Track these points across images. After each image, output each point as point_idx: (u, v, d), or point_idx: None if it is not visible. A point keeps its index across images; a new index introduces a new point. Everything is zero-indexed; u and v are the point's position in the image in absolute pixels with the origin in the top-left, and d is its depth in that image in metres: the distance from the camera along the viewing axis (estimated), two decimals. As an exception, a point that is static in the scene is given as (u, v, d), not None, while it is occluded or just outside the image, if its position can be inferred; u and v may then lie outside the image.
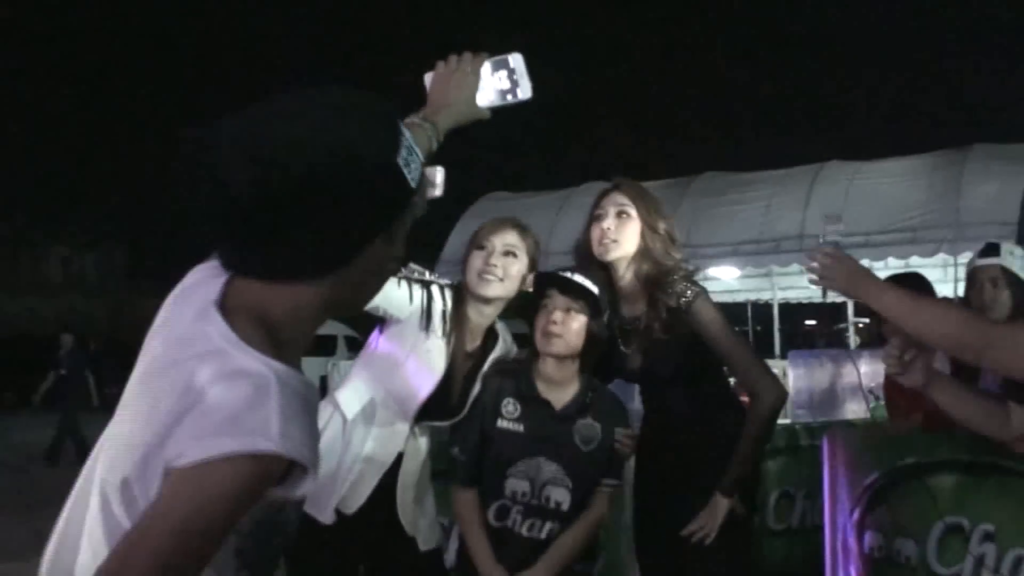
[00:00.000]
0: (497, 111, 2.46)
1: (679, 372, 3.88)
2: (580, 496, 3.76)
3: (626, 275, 3.89)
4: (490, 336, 3.88)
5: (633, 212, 3.86)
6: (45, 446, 15.35)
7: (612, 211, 3.87)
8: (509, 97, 2.45)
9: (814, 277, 3.09)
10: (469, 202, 16.91)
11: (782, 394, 3.85)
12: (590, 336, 3.74)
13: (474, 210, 16.35)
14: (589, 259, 3.95)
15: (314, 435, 1.58)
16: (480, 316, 3.77)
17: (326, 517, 3.62)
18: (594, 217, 3.94)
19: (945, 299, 2.97)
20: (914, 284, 4.69)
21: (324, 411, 3.72)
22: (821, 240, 3.19)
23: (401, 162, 1.64)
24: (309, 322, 1.69)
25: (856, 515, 4.95)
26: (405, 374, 3.66)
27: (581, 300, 3.73)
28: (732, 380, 4.25)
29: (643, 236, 3.85)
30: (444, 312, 3.68)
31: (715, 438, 3.86)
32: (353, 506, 3.66)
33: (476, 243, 3.78)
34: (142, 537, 1.44)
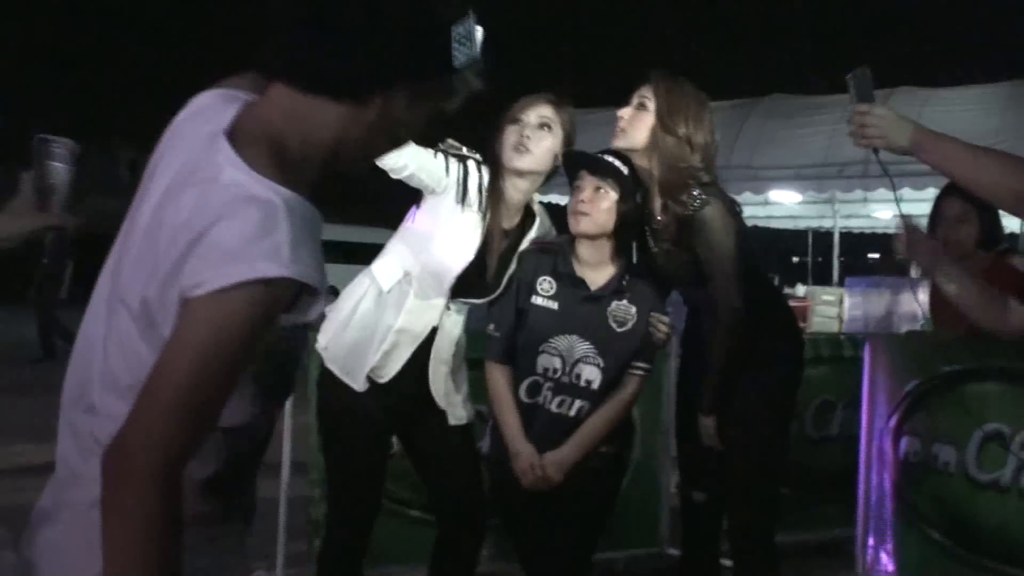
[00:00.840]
0: None
1: (696, 278, 3.80)
2: (611, 376, 3.76)
3: (645, 169, 3.78)
4: (528, 216, 3.88)
5: (651, 106, 3.73)
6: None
7: (635, 100, 3.80)
8: None
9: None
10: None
11: (735, 332, 3.71)
12: (621, 215, 3.72)
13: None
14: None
15: (320, 259, 1.60)
16: (516, 191, 3.75)
17: (359, 384, 3.67)
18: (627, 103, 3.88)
19: (1003, 152, 2.77)
20: None
21: (361, 282, 3.75)
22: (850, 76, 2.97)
23: (456, 35, 1.66)
24: (324, 151, 1.70)
25: (893, 421, 4.93)
26: (441, 248, 3.67)
27: (610, 179, 3.71)
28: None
29: (654, 132, 3.71)
30: (480, 187, 3.67)
31: (753, 341, 3.81)
32: (387, 375, 3.70)
33: (511, 117, 3.74)
34: (167, 370, 1.48)
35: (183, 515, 1.50)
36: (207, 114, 1.72)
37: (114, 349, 1.64)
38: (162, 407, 1.46)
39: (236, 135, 1.64)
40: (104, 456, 1.47)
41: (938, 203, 4.78)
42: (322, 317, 1.59)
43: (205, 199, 1.55)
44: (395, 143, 1.83)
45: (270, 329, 1.56)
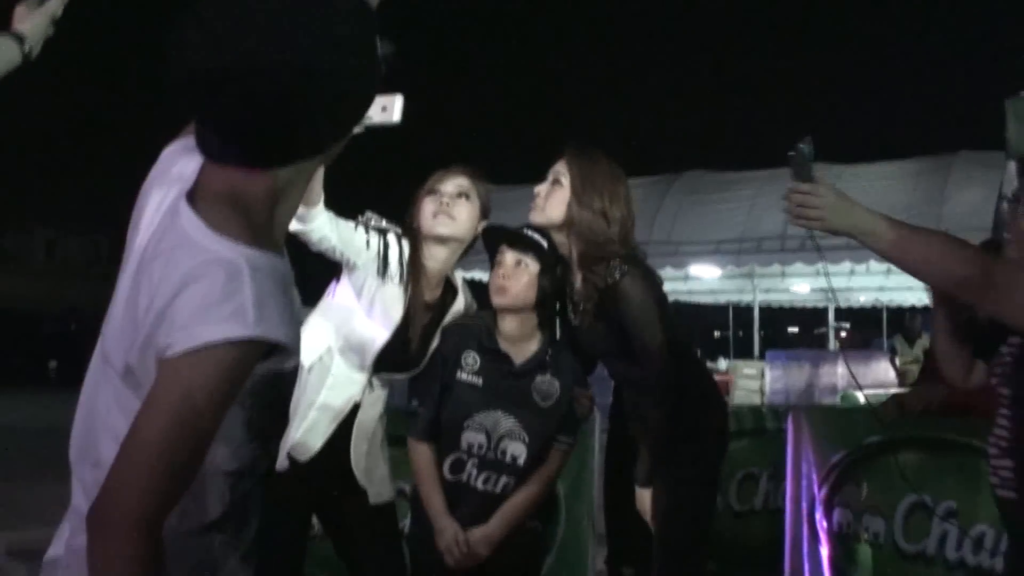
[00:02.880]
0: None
1: (620, 348, 3.77)
2: (536, 451, 3.72)
3: (563, 244, 3.74)
4: (449, 290, 3.85)
5: (565, 181, 3.70)
6: None
7: (550, 177, 3.79)
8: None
9: (796, 219, 2.72)
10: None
11: (668, 403, 3.64)
12: (542, 288, 3.71)
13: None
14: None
15: (291, 311, 1.66)
16: (435, 261, 3.72)
17: (279, 463, 3.57)
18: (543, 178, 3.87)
19: (945, 234, 2.63)
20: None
21: None
22: (792, 154, 2.74)
23: (377, 41, 1.72)
24: (291, 197, 1.76)
25: (823, 493, 4.93)
26: (362, 322, 3.63)
27: (531, 252, 3.70)
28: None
29: (570, 207, 3.67)
30: (401, 259, 3.64)
31: (680, 413, 3.79)
32: (306, 454, 3.62)
33: (428, 189, 3.74)
34: (141, 429, 1.55)
35: (181, 552, 1.65)
36: (172, 174, 1.77)
37: (112, 405, 1.70)
38: (137, 464, 1.53)
39: (197, 197, 1.68)
40: (89, 510, 1.56)
41: None
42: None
43: (173, 265, 1.61)
44: (335, 155, 1.86)
45: (242, 384, 1.60)
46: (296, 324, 1.69)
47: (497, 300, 3.72)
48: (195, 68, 1.59)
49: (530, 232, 3.73)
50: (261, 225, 1.69)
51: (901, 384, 12.49)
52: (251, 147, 1.66)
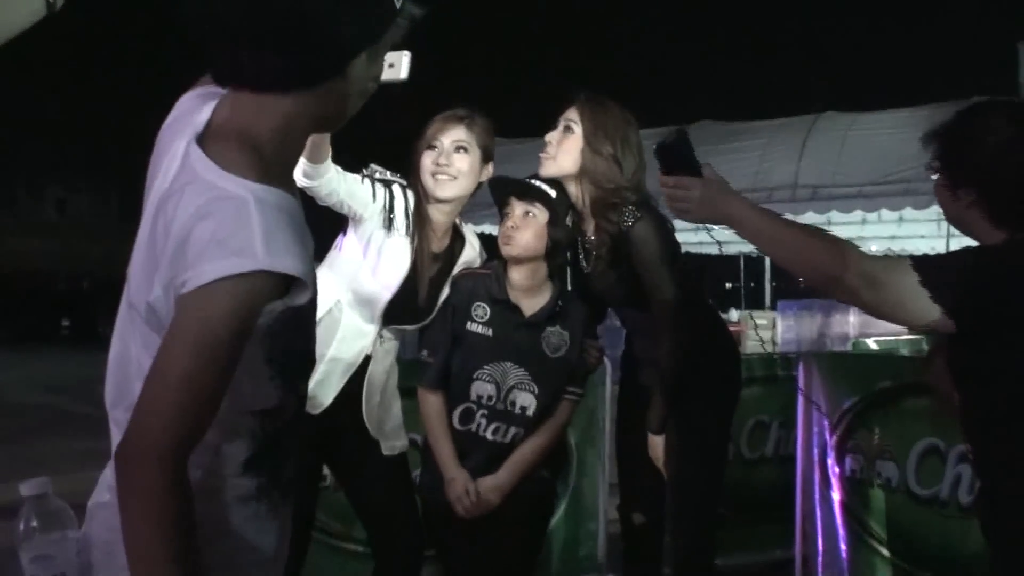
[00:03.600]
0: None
1: (631, 294, 3.77)
2: (546, 402, 3.74)
3: (575, 194, 3.76)
4: (457, 239, 3.83)
5: (577, 128, 3.73)
6: None
7: (561, 124, 3.77)
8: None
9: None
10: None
11: (681, 348, 3.69)
12: (551, 238, 3.70)
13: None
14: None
15: (302, 245, 1.70)
16: (441, 214, 3.71)
17: None
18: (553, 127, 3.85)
19: (818, 229, 2.61)
20: None
21: None
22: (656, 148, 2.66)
23: None
24: (297, 137, 1.82)
25: (835, 439, 4.93)
26: (370, 274, 3.62)
27: (538, 203, 3.70)
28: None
29: (583, 155, 3.70)
30: (407, 211, 3.63)
31: (695, 362, 3.77)
32: (319, 406, 3.61)
33: (426, 142, 3.70)
34: (162, 362, 1.61)
35: (218, 492, 1.76)
36: (185, 119, 1.82)
37: (142, 350, 1.75)
38: (159, 397, 1.59)
39: (208, 138, 1.75)
40: (118, 445, 1.63)
41: None
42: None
43: (185, 204, 1.66)
44: (367, 95, 1.90)
45: (256, 316, 1.65)
46: (308, 258, 1.73)
47: (506, 250, 3.72)
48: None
49: (538, 182, 3.71)
50: (269, 162, 1.73)
51: (911, 332, 12.45)
52: (260, 68, 1.71)
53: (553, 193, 3.70)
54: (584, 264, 3.84)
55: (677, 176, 2.60)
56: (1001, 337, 2.41)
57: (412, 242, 3.65)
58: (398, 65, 2.79)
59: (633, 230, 3.62)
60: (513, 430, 3.71)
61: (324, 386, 3.62)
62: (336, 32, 1.71)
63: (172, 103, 1.93)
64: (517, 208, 3.71)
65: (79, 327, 28.03)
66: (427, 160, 3.67)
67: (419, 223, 3.65)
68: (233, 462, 1.78)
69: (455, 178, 3.65)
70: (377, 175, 3.63)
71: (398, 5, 1.79)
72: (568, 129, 3.74)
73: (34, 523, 1.84)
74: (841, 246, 2.47)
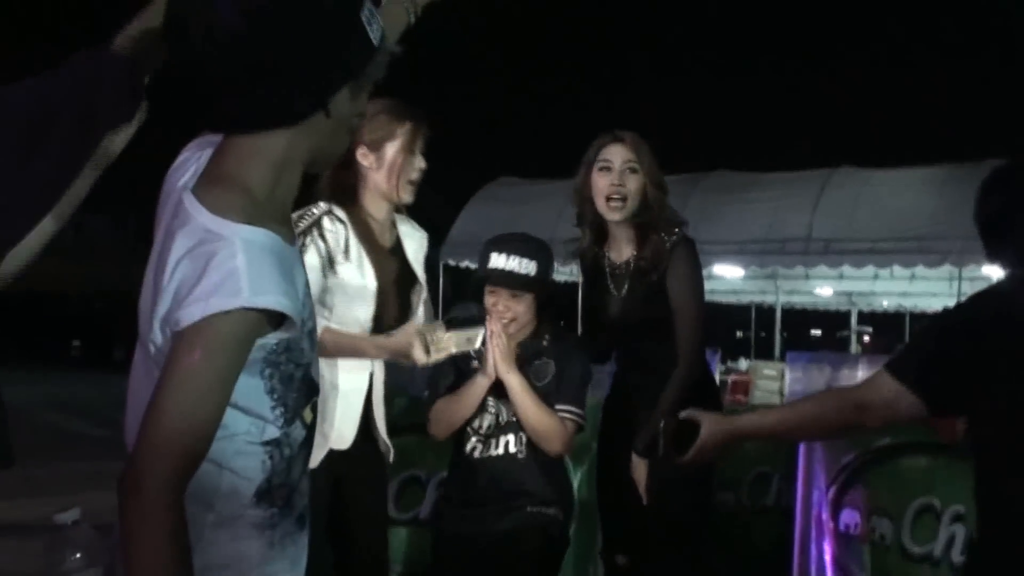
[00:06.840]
0: None
1: (659, 322, 3.87)
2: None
3: (622, 223, 3.96)
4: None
5: (640, 168, 3.93)
6: None
7: (619, 163, 3.91)
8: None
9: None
10: (478, 186, 16.79)
11: (695, 374, 3.89)
12: (540, 303, 3.81)
13: (483, 194, 16.26)
14: (587, 203, 4.03)
15: (288, 282, 1.77)
16: (379, 214, 3.76)
17: (312, 461, 3.59)
18: (600, 166, 3.96)
19: (810, 397, 2.76)
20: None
21: None
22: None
23: (364, 19, 1.83)
24: (287, 177, 1.88)
25: (832, 493, 4.97)
26: (344, 305, 3.66)
27: (524, 288, 3.76)
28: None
29: (644, 190, 3.92)
30: (345, 238, 3.65)
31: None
32: (347, 441, 3.67)
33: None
34: (157, 398, 1.68)
35: (233, 522, 1.82)
36: (186, 165, 1.93)
37: (148, 384, 1.78)
38: (154, 430, 1.65)
39: (202, 182, 1.83)
40: (121, 472, 1.67)
41: None
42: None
43: (177, 246, 1.75)
44: (353, 131, 1.99)
45: (247, 351, 1.73)
46: (297, 294, 1.80)
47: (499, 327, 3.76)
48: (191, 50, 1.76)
49: (516, 262, 3.75)
50: (261, 203, 1.81)
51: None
52: (241, 109, 1.80)
53: (534, 272, 3.74)
54: (613, 290, 3.94)
55: (686, 448, 2.70)
56: (985, 390, 2.46)
57: (359, 259, 3.66)
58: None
59: (678, 248, 3.88)
60: (504, 439, 3.79)
61: (346, 420, 3.67)
62: (313, 69, 1.79)
63: (188, 126, 2.01)
64: (503, 292, 3.76)
65: (91, 348, 28.05)
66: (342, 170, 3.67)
67: (364, 234, 3.68)
68: (246, 493, 1.85)
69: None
70: (303, 222, 3.60)
71: (376, 44, 1.87)
72: (633, 171, 3.92)
73: (69, 552, 1.91)
74: (833, 396, 2.56)
